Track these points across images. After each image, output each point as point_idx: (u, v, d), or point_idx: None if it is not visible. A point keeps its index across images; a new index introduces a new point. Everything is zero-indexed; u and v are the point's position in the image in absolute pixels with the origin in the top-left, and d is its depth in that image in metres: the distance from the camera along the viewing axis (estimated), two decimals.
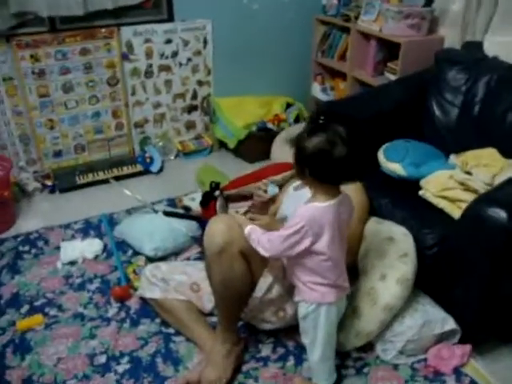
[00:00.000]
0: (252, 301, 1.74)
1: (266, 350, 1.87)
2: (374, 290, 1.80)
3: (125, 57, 2.88)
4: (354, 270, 1.89)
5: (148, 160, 3.05)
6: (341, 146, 1.32)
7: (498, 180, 1.91)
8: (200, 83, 3.21)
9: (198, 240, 2.35)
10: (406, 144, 2.23)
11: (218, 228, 1.59)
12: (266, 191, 1.64)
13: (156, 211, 2.39)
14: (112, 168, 2.99)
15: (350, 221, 1.55)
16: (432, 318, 1.82)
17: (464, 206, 1.87)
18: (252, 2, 3.11)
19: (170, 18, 2.92)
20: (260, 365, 1.80)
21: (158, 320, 1.97)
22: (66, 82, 2.81)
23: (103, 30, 2.75)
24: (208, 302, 1.94)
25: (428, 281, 1.88)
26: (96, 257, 2.32)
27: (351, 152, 1.33)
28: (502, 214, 1.56)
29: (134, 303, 2.06)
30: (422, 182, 2.05)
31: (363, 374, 1.78)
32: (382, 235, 1.91)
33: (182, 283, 1.94)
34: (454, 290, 1.81)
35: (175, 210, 2.56)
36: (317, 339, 1.56)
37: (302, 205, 1.44)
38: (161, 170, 3.10)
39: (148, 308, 2.01)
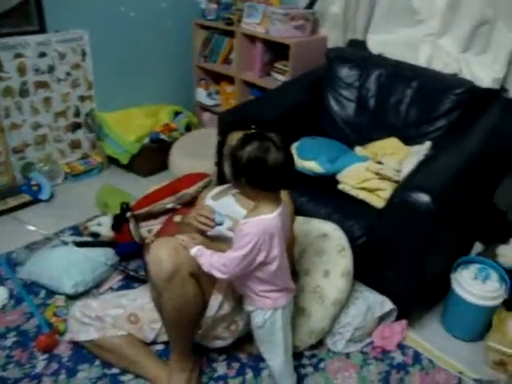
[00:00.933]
0: (205, 321, 1.66)
1: (221, 368, 1.81)
2: (319, 287, 1.85)
3: None
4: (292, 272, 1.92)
5: (35, 187, 2.72)
6: (275, 152, 1.29)
7: (405, 166, 2.08)
8: (82, 98, 2.96)
9: (118, 267, 2.19)
10: (314, 141, 2.33)
11: (163, 253, 1.49)
12: (213, 220, 1.57)
13: (66, 243, 2.16)
14: None
15: (289, 226, 1.57)
16: (372, 302, 1.93)
17: (383, 194, 2.04)
18: (129, 9, 2.95)
19: (42, 29, 2.63)
20: None
21: (97, 362, 1.79)
22: None
23: None
24: (150, 331, 1.81)
25: (360, 268, 1.99)
26: (3, 307, 2.01)
27: (287, 157, 1.32)
28: (425, 198, 1.71)
29: (64, 350, 1.83)
30: (340, 177, 2.16)
31: (320, 369, 1.82)
32: (314, 233, 1.96)
33: (119, 317, 1.78)
34: (387, 273, 1.94)
35: (84, 238, 2.33)
36: (277, 344, 1.55)
37: (246, 220, 1.39)
38: (51, 196, 2.79)
39: (83, 351, 1.81)
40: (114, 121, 3.04)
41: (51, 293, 2.07)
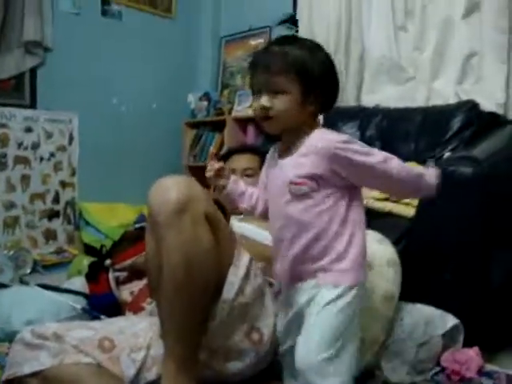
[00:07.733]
0: (220, 307, 1.18)
1: None
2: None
3: None
4: None
5: None
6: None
7: None
8: (63, 184, 2.74)
9: (92, 314, 1.67)
10: None
11: (172, 182, 1.11)
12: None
13: (26, 283, 1.69)
14: None
15: None
16: (430, 316, 1.47)
17: (412, 201, 1.76)
18: (120, 103, 2.98)
19: (33, 105, 2.58)
20: None
21: None
22: None
23: None
24: (129, 363, 1.19)
25: (406, 286, 1.56)
26: None
27: None
28: (469, 164, 1.52)
29: None
30: None
31: None
32: None
33: (85, 340, 1.21)
34: (443, 277, 1.54)
35: None
36: (349, 345, 1.02)
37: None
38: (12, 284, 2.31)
39: None
40: (96, 210, 2.77)
41: None
